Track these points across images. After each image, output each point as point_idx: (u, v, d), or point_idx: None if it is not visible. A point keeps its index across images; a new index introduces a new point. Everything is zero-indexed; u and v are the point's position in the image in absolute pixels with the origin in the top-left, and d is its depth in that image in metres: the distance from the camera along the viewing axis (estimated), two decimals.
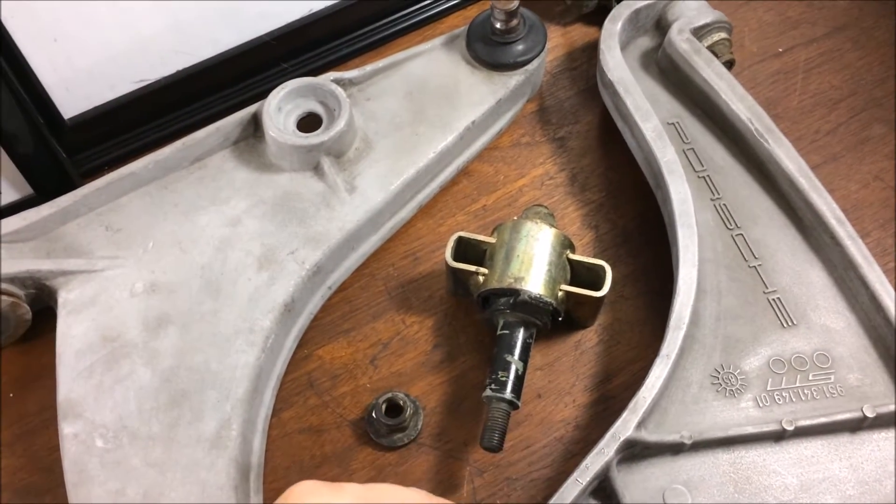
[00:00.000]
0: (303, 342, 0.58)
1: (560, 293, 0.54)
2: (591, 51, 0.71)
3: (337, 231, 0.58)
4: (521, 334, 0.53)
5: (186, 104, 0.66)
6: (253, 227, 0.58)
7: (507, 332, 0.53)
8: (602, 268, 0.54)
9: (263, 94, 0.66)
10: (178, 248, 0.58)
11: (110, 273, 0.57)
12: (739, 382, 0.52)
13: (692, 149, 0.61)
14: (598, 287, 0.54)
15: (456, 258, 0.56)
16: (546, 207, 0.60)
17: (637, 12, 0.64)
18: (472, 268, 0.55)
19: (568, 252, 0.56)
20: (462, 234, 0.56)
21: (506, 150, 0.67)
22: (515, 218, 0.57)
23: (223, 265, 0.57)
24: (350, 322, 0.60)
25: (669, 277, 0.56)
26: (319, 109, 0.62)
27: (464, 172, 0.65)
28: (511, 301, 0.53)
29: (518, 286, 0.53)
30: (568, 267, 0.55)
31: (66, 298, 0.56)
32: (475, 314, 0.59)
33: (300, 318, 0.58)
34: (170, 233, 0.58)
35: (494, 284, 0.54)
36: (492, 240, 0.56)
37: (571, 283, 0.55)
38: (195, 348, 0.54)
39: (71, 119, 0.62)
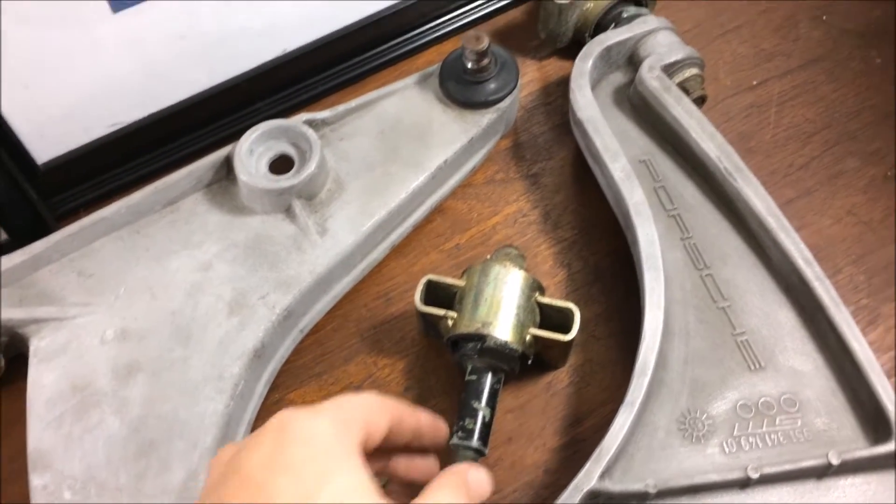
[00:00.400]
0: (274, 386, 0.59)
1: (528, 337, 0.54)
2: (565, 85, 0.70)
3: (308, 274, 0.58)
4: (488, 380, 0.53)
5: (162, 145, 0.67)
6: (224, 271, 0.59)
7: (474, 377, 0.53)
8: (570, 311, 0.54)
9: (240, 133, 0.66)
10: (150, 294, 0.58)
11: (81, 320, 0.57)
12: (706, 427, 0.51)
13: (663, 187, 0.61)
14: (567, 329, 0.54)
15: (426, 301, 0.56)
16: (516, 249, 0.60)
17: (608, 49, 0.65)
18: (441, 311, 0.55)
19: (537, 295, 0.56)
20: (432, 277, 0.56)
21: (479, 187, 0.67)
22: (488, 257, 0.58)
23: (194, 311, 0.57)
24: (322, 365, 0.60)
25: (640, 315, 0.55)
26: (291, 151, 0.62)
27: (437, 210, 0.65)
28: (478, 347, 0.53)
29: (485, 331, 0.53)
30: (537, 310, 0.55)
31: (38, 346, 0.56)
32: (447, 356, 0.59)
33: (271, 362, 0.58)
34: (141, 278, 0.59)
35: (462, 329, 0.54)
36: (461, 283, 0.56)
37: (541, 326, 0.55)
38: (164, 396, 0.54)
39: (45, 163, 0.62)
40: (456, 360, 0.56)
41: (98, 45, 0.57)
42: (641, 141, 0.63)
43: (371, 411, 0.41)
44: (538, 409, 0.58)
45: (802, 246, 0.56)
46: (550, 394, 0.58)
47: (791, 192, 0.64)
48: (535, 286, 0.56)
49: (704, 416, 0.52)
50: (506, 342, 0.52)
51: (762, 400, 0.52)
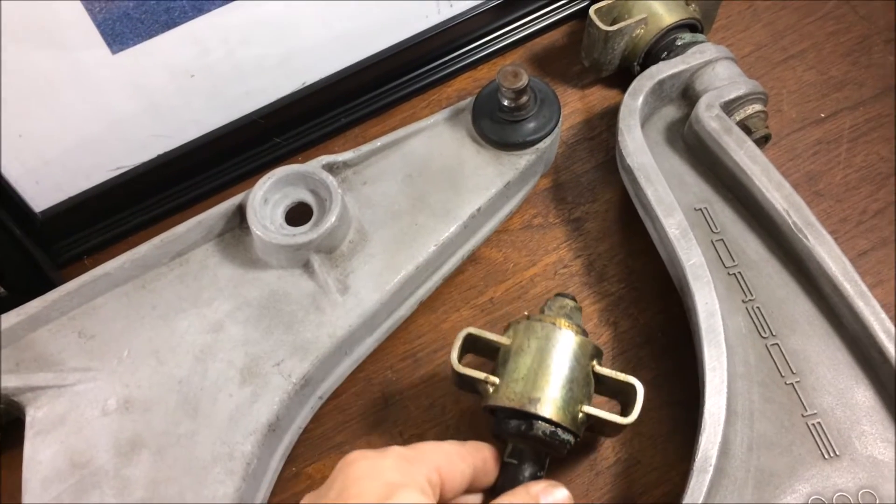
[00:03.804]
0: (291, 458, 0.54)
1: (581, 415, 0.47)
2: (611, 117, 0.65)
3: (327, 338, 0.53)
4: (529, 469, 0.47)
5: (171, 186, 0.61)
6: (236, 333, 0.53)
7: (514, 461, 0.47)
8: (632, 387, 0.47)
9: (256, 170, 0.62)
10: (155, 359, 0.53)
11: (82, 387, 0.52)
12: None
13: (722, 240, 0.55)
14: (627, 406, 0.47)
15: (464, 355, 0.49)
16: (573, 299, 0.51)
17: (661, 83, 0.58)
18: (482, 375, 0.47)
19: (594, 363, 0.48)
20: (472, 330, 0.49)
21: (516, 234, 0.61)
22: (530, 315, 0.50)
23: (203, 379, 0.52)
24: (343, 434, 0.55)
25: (696, 384, 0.50)
26: (310, 199, 0.56)
27: (470, 259, 0.60)
28: (522, 427, 0.46)
29: (532, 409, 0.45)
30: (592, 381, 0.48)
31: (35, 417, 0.52)
32: (482, 425, 0.53)
33: (287, 434, 0.53)
34: (147, 340, 0.54)
35: (504, 402, 0.46)
36: (506, 340, 0.49)
37: (596, 392, 0.48)
38: (169, 477, 0.49)
39: (43, 211, 0.57)
40: (494, 431, 0.49)
41: (97, 90, 0.52)
42: (697, 187, 0.57)
43: (447, 459, 0.43)
44: (581, 490, 0.52)
45: (883, 315, 0.49)
46: (594, 473, 0.52)
47: (865, 243, 0.58)
48: (593, 353, 0.48)
49: None
50: (555, 431, 0.46)
51: (837, 495, 0.46)
